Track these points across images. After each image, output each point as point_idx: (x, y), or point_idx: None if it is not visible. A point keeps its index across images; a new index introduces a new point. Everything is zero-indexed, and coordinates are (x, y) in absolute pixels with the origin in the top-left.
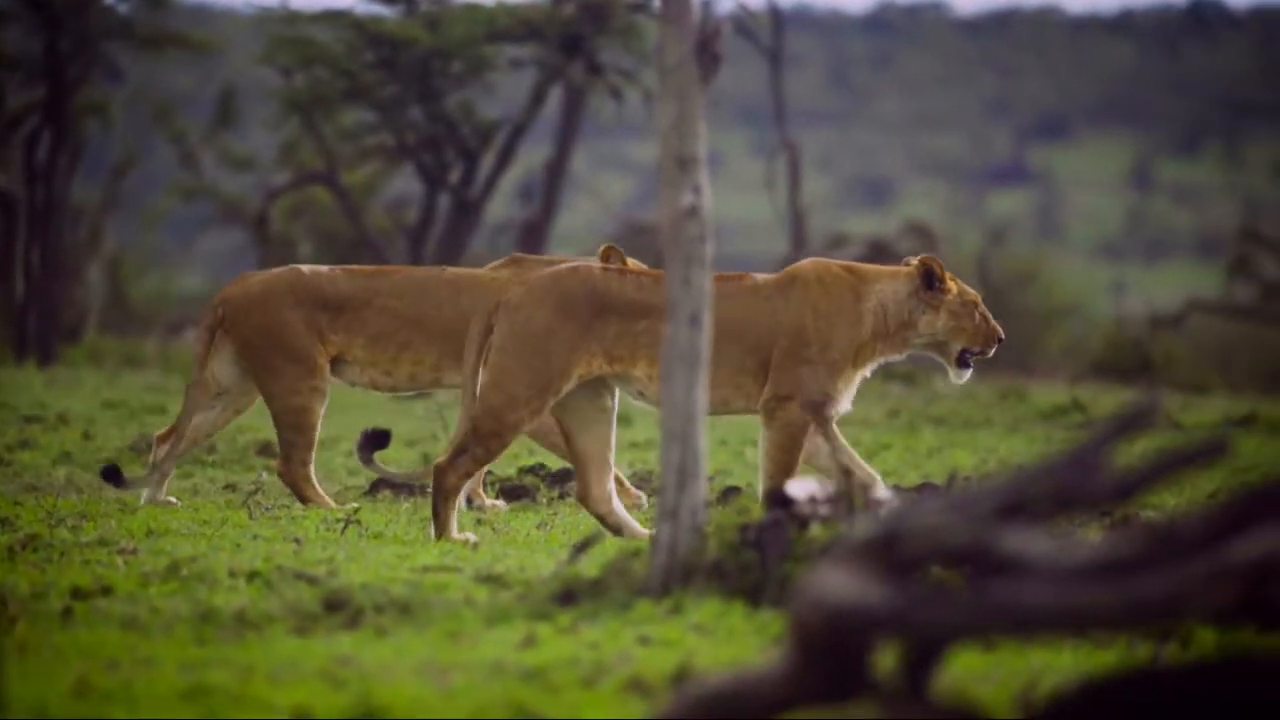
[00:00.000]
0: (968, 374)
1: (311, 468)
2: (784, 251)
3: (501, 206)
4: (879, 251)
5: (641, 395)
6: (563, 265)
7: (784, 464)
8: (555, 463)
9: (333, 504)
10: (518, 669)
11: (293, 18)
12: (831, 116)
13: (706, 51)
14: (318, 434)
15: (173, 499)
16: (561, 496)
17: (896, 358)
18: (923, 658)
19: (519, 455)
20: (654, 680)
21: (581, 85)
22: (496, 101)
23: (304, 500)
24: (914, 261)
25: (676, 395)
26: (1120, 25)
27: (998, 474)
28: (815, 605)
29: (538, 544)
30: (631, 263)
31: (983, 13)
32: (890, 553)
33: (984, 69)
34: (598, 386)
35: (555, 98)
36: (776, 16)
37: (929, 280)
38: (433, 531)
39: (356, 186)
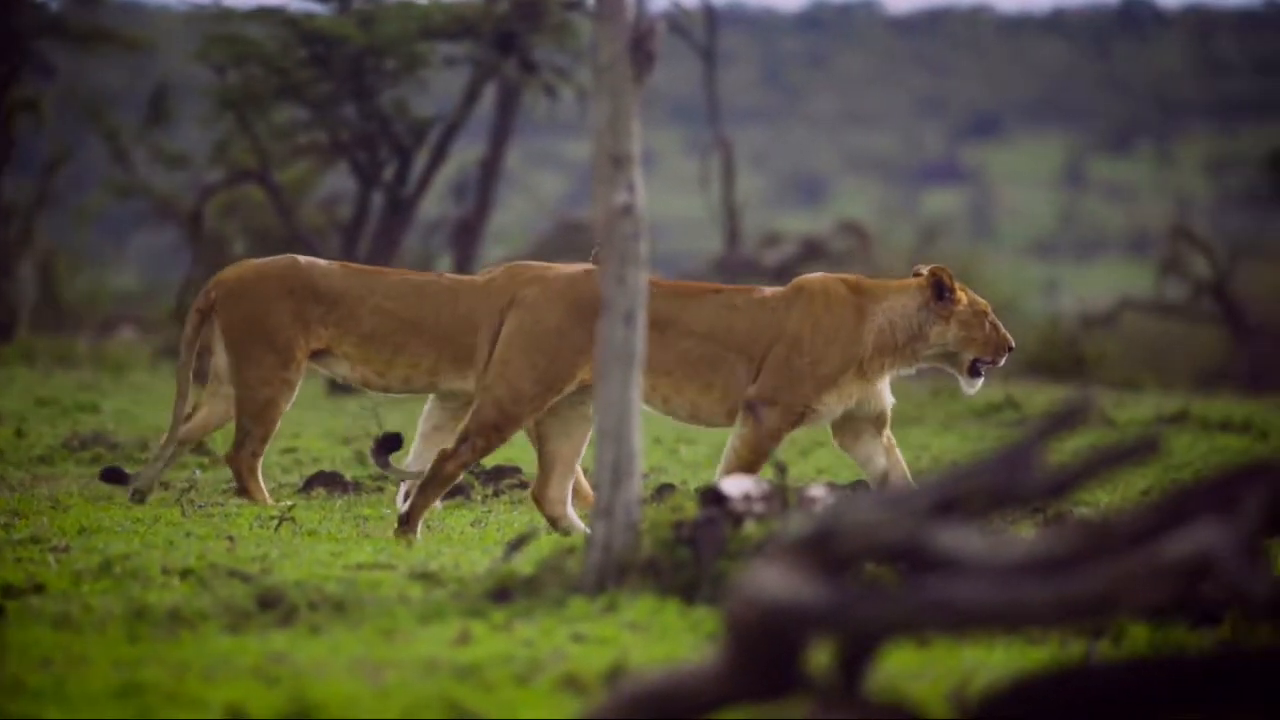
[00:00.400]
0: (980, 383)
1: (260, 460)
2: (718, 249)
3: (435, 204)
4: (812, 250)
5: (647, 402)
6: (578, 268)
7: (748, 463)
8: (489, 460)
9: (270, 500)
10: (452, 666)
11: (225, 15)
12: (765, 115)
13: (640, 50)
14: (278, 428)
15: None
16: (496, 494)
17: (907, 370)
18: (856, 655)
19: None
20: (588, 678)
21: (515, 83)
22: (430, 99)
23: (243, 490)
24: (924, 271)
25: (611, 393)
26: (1052, 24)
27: (932, 471)
28: (750, 603)
29: (472, 541)
30: None
31: (915, 11)
32: (824, 550)
33: (916, 68)
34: (583, 393)
35: (489, 95)
36: (710, 15)
37: (939, 291)
38: (399, 505)
39: (290, 184)
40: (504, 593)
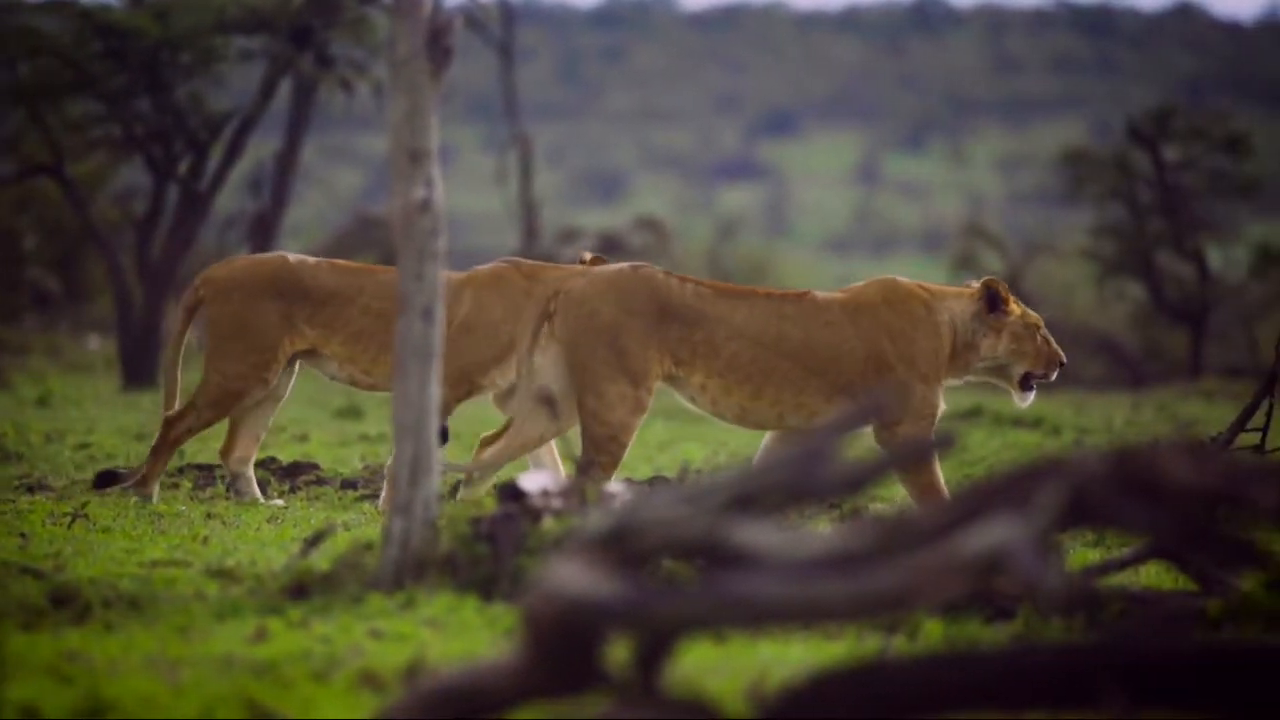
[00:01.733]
0: (1031, 397)
1: (186, 441)
2: (516, 245)
3: (231, 199)
4: (610, 245)
5: (693, 401)
6: (622, 264)
7: (927, 484)
8: (287, 455)
9: (154, 494)
10: (248, 663)
11: (17, 6)
12: (562, 110)
13: (438, 45)
14: (224, 419)
15: (278, 500)
16: (292, 490)
17: (956, 381)
18: (654, 651)
19: None
20: (386, 674)
21: (312, 77)
22: (226, 93)
23: (153, 454)
24: (975, 284)
25: (410, 389)
26: (846, 22)
27: (729, 467)
28: (548, 598)
29: (269, 538)
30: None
31: (710, 8)
32: (623, 546)
33: (713, 64)
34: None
35: (285, 89)
36: (507, 10)
37: (992, 303)
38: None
39: (83, 178)
40: (301, 589)
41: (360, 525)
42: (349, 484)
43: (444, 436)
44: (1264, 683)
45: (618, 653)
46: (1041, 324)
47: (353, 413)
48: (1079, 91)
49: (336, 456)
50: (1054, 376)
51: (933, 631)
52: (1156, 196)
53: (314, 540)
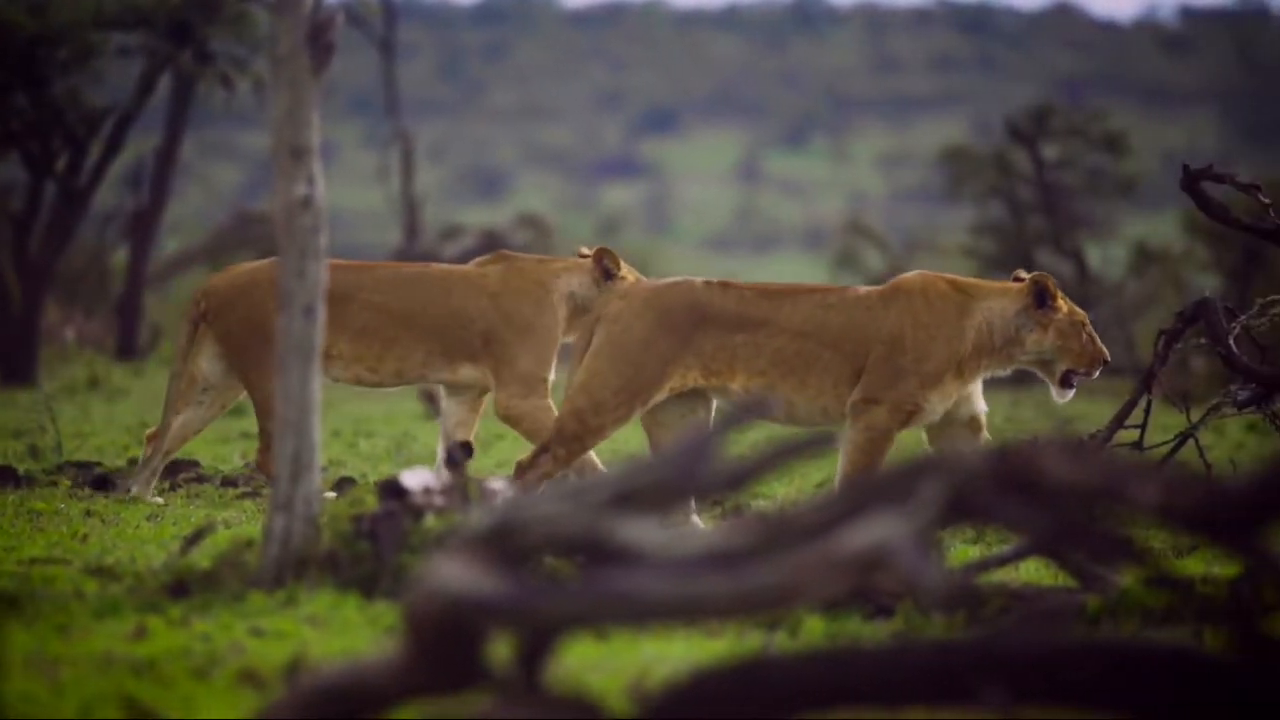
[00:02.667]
0: (1071, 394)
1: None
2: (397, 242)
3: (110, 195)
4: (493, 242)
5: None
6: (666, 279)
7: (863, 465)
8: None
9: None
10: (128, 662)
11: None
12: (444, 107)
13: (319, 41)
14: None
15: (159, 499)
16: (172, 488)
17: (1002, 372)
18: (536, 648)
19: (129, 446)
20: (267, 672)
21: (191, 73)
22: (104, 89)
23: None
24: (1024, 277)
25: (291, 386)
26: (727, 19)
27: (611, 464)
28: (430, 596)
29: (148, 536)
30: (624, 266)
31: (592, 5)
32: (504, 543)
33: (594, 61)
34: (692, 400)
35: (165, 85)
36: (388, 6)
37: (1040, 299)
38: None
39: None
40: (181, 587)
41: (241, 523)
42: (229, 482)
43: (468, 452)
44: (1143, 678)
45: (500, 650)
46: (1087, 321)
47: (233, 410)
48: (959, 90)
49: (217, 454)
50: (1096, 374)
51: (814, 629)
52: (1036, 195)
53: (194, 538)
